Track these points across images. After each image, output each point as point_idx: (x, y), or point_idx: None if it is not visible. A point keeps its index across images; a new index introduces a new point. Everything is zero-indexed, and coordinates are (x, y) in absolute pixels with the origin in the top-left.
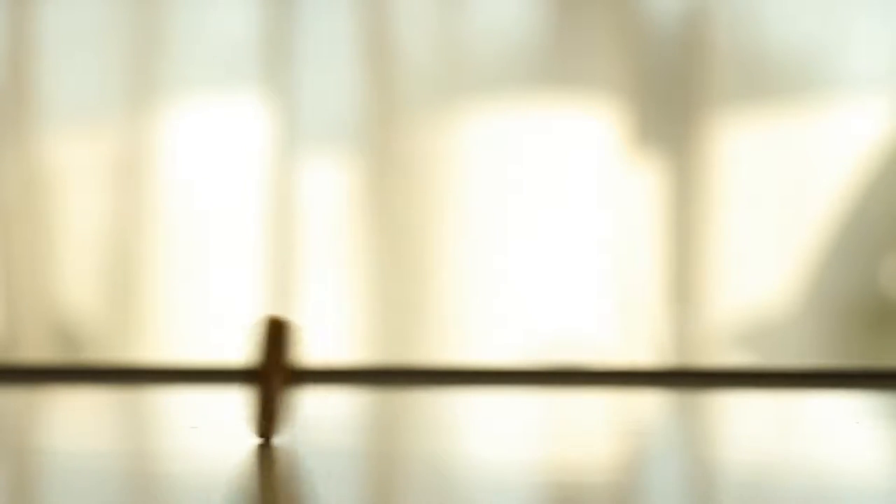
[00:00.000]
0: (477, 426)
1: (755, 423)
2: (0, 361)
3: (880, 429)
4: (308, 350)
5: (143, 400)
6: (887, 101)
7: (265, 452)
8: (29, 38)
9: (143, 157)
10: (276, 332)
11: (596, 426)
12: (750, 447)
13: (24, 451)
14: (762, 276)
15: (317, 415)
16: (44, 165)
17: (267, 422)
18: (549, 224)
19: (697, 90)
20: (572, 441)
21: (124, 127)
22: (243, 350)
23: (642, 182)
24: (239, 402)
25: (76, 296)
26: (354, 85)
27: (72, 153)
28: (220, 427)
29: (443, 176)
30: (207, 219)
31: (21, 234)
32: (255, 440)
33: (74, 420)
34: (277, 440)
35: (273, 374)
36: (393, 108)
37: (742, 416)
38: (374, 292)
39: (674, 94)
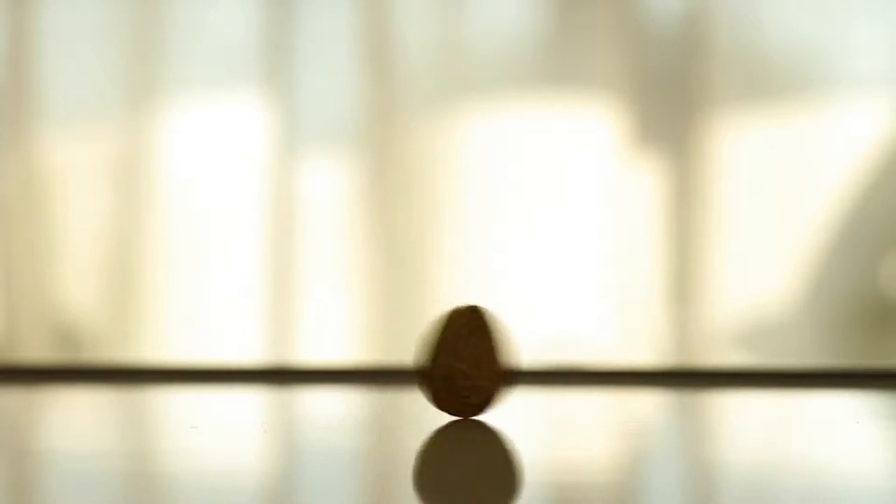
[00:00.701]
0: (476, 426)
1: (755, 423)
2: (0, 361)
3: (880, 429)
4: (510, 339)
5: (143, 400)
6: (887, 102)
7: (460, 429)
8: (29, 38)
9: (143, 157)
10: (472, 319)
11: (596, 426)
12: (750, 447)
13: (24, 452)
14: (762, 276)
15: (316, 415)
16: (44, 165)
17: (463, 399)
18: (549, 224)
19: (697, 90)
20: (572, 441)
21: (124, 127)
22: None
23: (642, 182)
24: (239, 403)
25: (76, 296)
26: (354, 85)
27: (72, 153)
28: (220, 427)
29: (443, 176)
30: (207, 219)
31: (21, 234)
32: (452, 417)
33: (74, 420)
34: (482, 418)
35: (470, 357)
36: (393, 108)
37: (742, 416)
38: (374, 292)
39: (674, 94)
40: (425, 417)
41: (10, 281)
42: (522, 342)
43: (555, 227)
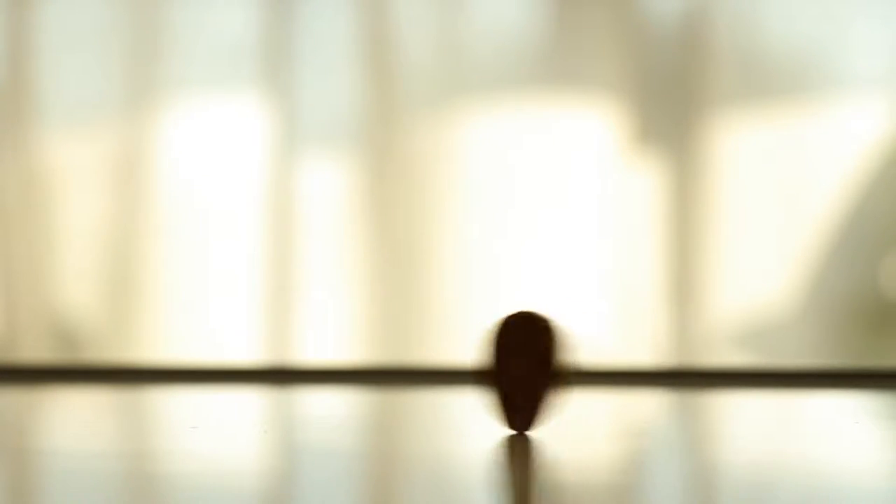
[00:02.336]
0: (477, 426)
1: (755, 423)
2: (0, 361)
3: (880, 429)
4: (573, 344)
5: (143, 400)
6: (887, 101)
7: (517, 443)
8: (29, 38)
9: (143, 157)
10: (526, 327)
11: (596, 426)
12: (750, 447)
13: (23, 452)
14: (762, 276)
15: (316, 415)
16: (44, 165)
17: (515, 414)
18: (549, 224)
19: (697, 90)
20: (572, 441)
21: (124, 127)
22: (478, 344)
23: (642, 182)
24: (238, 403)
25: (76, 296)
26: (354, 85)
27: (72, 153)
28: (220, 427)
29: (443, 176)
30: (207, 219)
31: (21, 234)
32: (507, 431)
33: (74, 420)
34: (532, 433)
35: (517, 367)
36: (393, 108)
37: (742, 416)
38: (374, 292)
39: (674, 94)
40: (424, 418)
41: (10, 281)
42: None
43: (555, 227)
